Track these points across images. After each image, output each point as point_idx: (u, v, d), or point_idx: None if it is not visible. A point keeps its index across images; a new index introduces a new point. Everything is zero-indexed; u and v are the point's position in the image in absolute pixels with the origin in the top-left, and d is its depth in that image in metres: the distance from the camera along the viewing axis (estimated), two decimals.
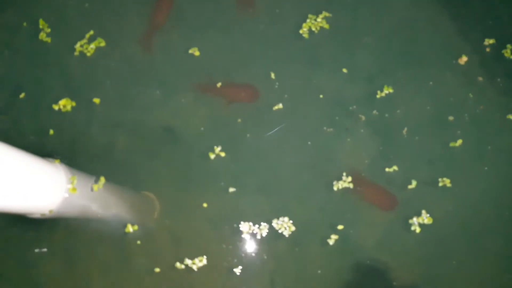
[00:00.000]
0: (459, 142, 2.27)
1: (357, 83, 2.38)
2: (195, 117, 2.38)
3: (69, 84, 2.43)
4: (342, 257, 2.17)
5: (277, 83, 2.39)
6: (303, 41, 2.45)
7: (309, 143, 2.30)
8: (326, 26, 2.46)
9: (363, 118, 2.33)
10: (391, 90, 2.33)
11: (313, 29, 2.46)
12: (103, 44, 2.46)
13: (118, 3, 2.59)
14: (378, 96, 2.35)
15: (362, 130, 2.30)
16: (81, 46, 2.44)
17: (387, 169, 2.24)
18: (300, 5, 2.51)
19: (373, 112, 2.33)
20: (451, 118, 2.31)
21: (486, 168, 2.27)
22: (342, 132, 2.31)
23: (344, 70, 2.39)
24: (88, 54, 2.44)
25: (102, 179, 2.00)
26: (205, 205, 2.21)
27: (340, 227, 2.17)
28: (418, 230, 2.15)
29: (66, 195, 1.67)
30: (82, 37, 2.46)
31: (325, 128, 2.32)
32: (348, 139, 2.30)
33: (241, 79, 2.43)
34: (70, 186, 1.72)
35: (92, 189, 1.93)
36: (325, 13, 2.47)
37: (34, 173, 1.55)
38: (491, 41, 2.40)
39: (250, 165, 2.31)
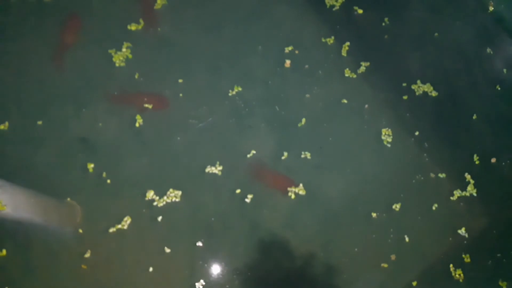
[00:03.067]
0: (303, 121, 2.74)
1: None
2: (109, 127, 2.61)
3: None
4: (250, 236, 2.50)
5: (182, 93, 2.69)
6: (206, 53, 2.83)
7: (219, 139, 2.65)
8: None
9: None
10: (240, 89, 2.79)
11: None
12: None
13: (27, 24, 2.81)
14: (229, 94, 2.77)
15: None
16: None
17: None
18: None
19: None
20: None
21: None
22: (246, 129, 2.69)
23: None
24: None
25: None
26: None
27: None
28: (293, 196, 2.57)
29: None
30: None
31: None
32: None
33: (151, 88, 2.70)
34: None
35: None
36: None
37: None
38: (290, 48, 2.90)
39: (163, 165, 2.58)
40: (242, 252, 2.47)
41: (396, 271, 2.48)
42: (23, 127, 2.61)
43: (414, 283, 2.44)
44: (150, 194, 2.50)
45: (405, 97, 2.86)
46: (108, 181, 2.51)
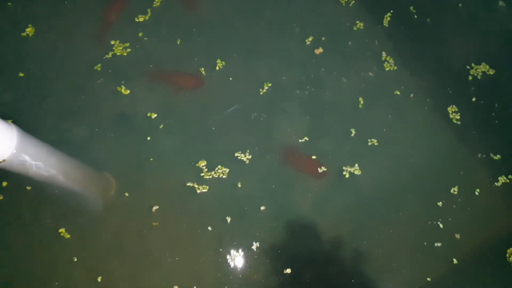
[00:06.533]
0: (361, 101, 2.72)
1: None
2: (147, 103, 2.62)
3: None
4: (277, 220, 2.44)
5: (222, 73, 2.69)
6: (243, 36, 2.83)
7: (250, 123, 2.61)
8: None
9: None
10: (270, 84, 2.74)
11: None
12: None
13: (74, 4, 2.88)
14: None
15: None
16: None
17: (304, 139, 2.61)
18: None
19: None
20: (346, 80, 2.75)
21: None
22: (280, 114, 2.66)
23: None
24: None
25: None
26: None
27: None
28: (347, 175, 2.52)
29: (15, 150, 1.85)
30: None
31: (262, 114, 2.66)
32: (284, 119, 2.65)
33: (188, 68, 2.71)
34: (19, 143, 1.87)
35: (44, 154, 2.07)
36: None
37: None
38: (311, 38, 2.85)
39: (196, 142, 2.57)
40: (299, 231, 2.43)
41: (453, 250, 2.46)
42: (64, 100, 2.62)
43: (455, 261, 2.42)
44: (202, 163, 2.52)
45: (470, 78, 2.83)
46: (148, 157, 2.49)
